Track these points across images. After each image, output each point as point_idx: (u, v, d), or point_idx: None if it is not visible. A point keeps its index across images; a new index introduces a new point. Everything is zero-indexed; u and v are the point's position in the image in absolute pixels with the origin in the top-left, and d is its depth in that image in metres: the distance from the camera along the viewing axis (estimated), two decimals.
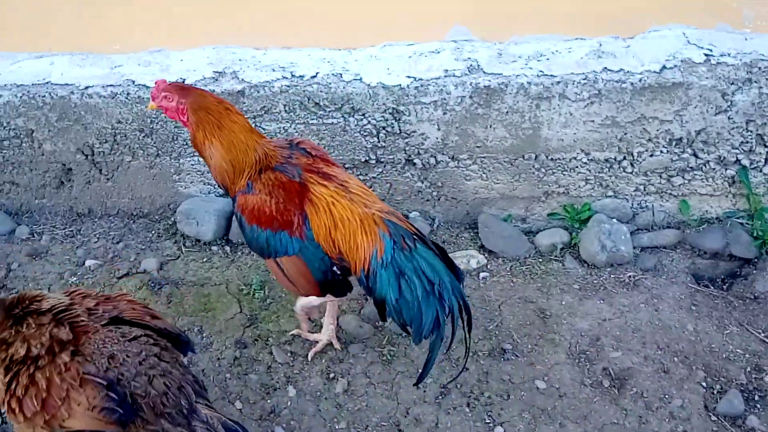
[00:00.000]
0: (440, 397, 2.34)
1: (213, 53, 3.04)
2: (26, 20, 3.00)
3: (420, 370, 2.16)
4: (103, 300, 2.04)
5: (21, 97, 2.95)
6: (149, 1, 2.95)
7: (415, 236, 2.20)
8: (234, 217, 2.34)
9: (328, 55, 3.00)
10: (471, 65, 2.87)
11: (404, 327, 2.17)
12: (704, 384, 2.41)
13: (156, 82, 2.31)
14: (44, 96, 2.94)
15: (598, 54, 2.89)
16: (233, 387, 2.41)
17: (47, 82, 2.98)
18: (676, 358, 2.49)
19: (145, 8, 2.96)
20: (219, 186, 2.39)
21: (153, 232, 3.13)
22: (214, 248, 3.01)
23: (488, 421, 2.29)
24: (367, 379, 2.41)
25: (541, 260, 2.93)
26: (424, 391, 2.36)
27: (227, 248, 3.02)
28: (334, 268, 2.28)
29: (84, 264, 2.93)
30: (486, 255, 2.94)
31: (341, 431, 2.29)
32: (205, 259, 2.95)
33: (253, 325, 2.60)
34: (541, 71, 2.83)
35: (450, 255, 2.88)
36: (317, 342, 2.56)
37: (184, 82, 2.92)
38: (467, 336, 2.15)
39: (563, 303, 2.69)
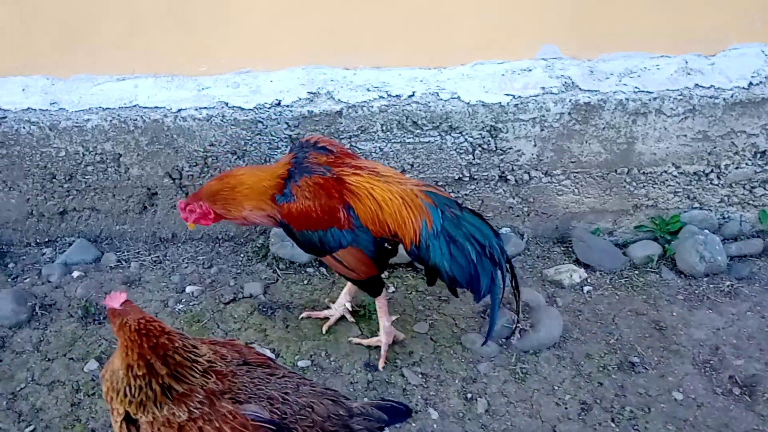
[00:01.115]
0: (583, 414, 2.35)
1: (303, 74, 3.02)
2: (106, 41, 2.92)
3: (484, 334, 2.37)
4: (221, 345, 1.97)
5: (111, 121, 2.88)
6: (231, 23, 2.90)
7: (455, 202, 2.34)
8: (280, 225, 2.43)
9: (420, 74, 3.01)
10: (566, 82, 2.92)
11: (454, 289, 2.33)
12: None
13: (178, 206, 2.41)
14: (135, 120, 2.88)
15: (686, 71, 2.97)
16: None
17: (135, 105, 2.91)
18: None
19: (227, 30, 2.91)
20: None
21: (242, 255, 3.07)
22: (310, 270, 2.97)
23: None
24: (504, 398, 2.41)
25: (637, 272, 2.98)
26: (566, 408, 2.37)
27: (323, 269, 2.99)
28: (386, 245, 2.40)
29: (185, 290, 2.85)
30: (584, 269, 2.97)
31: None
32: (305, 282, 2.91)
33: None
34: (636, 87, 2.90)
35: (552, 270, 2.97)
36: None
37: (279, 103, 2.90)
38: (516, 292, 2.36)
39: (674, 314, 2.74)
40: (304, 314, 2.72)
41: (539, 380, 2.47)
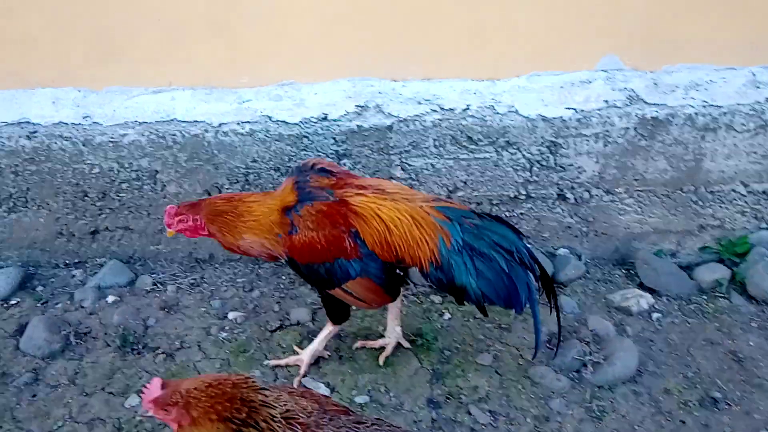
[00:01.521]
0: None
1: (349, 86, 2.84)
2: (143, 52, 2.75)
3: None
4: (299, 394, 1.79)
5: (148, 135, 2.71)
6: (273, 32, 2.73)
7: (472, 212, 2.19)
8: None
9: (472, 86, 2.84)
10: (630, 95, 2.75)
11: (483, 307, 2.18)
12: None
13: (166, 211, 2.26)
14: (174, 134, 2.71)
15: (755, 84, 2.80)
16: None
17: (173, 119, 2.75)
18: None
19: (270, 39, 2.73)
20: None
21: (283, 277, 2.90)
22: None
23: None
24: None
25: (706, 298, 2.80)
26: None
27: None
28: (397, 271, 2.25)
29: (227, 317, 2.67)
30: (650, 294, 2.80)
31: None
32: (354, 308, 2.73)
33: (439, 382, 2.39)
34: (705, 101, 2.73)
35: (617, 295, 2.79)
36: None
37: (326, 117, 2.73)
38: (550, 292, 2.21)
39: (751, 343, 2.56)
40: (358, 344, 2.54)
41: (617, 419, 2.29)
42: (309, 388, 2.39)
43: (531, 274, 2.16)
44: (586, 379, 2.44)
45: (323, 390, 2.40)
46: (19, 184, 2.79)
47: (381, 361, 2.48)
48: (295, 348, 2.54)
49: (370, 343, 2.56)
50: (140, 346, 2.55)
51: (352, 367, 2.47)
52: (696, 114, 2.71)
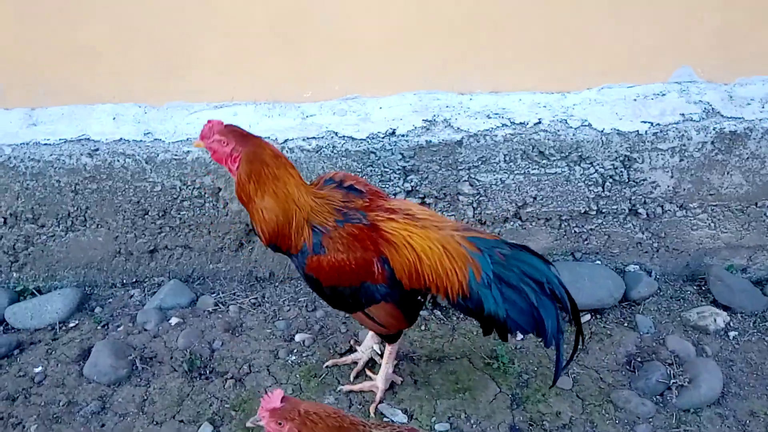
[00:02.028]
0: None
1: (415, 99, 2.77)
2: (206, 66, 2.68)
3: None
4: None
5: None
6: (339, 46, 2.66)
7: (502, 242, 2.14)
8: (303, 276, 2.15)
9: (542, 99, 2.77)
10: (705, 108, 2.68)
11: (506, 335, 2.12)
12: None
13: (209, 122, 2.10)
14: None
15: None
16: None
17: None
18: None
19: (335, 53, 2.66)
20: (267, 243, 2.14)
21: None
22: (424, 313, 2.72)
23: None
24: None
25: None
26: None
27: (437, 312, 2.74)
28: (419, 297, 2.19)
29: (294, 339, 2.60)
30: (725, 312, 2.72)
31: None
32: (422, 327, 2.66)
33: (520, 407, 2.32)
34: None
35: (693, 313, 2.71)
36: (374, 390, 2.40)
37: (394, 132, 2.66)
38: (574, 319, 2.10)
39: None
40: (329, 362, 2.49)
41: None
42: (386, 415, 2.32)
43: (559, 306, 2.08)
44: (671, 403, 2.36)
45: (400, 417, 2.33)
46: (78, 203, 2.72)
47: (352, 377, 2.43)
48: (368, 373, 2.47)
49: (342, 361, 2.50)
50: (208, 371, 2.48)
51: (429, 392, 2.39)
52: None
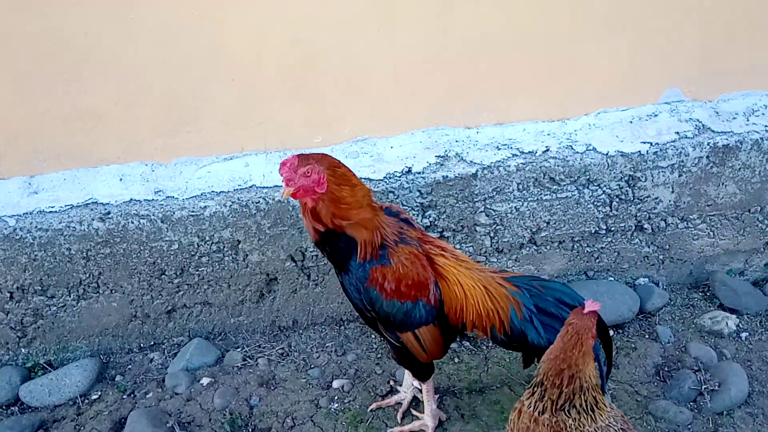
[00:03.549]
0: None
1: (424, 136, 2.82)
2: (215, 119, 2.64)
3: None
4: None
5: (230, 206, 2.59)
6: (348, 90, 2.68)
7: (535, 277, 2.26)
8: (357, 293, 2.11)
9: (545, 127, 2.87)
10: (696, 125, 2.85)
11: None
12: None
13: (283, 164, 1.98)
14: (258, 202, 2.60)
15: None
16: None
17: (251, 186, 2.64)
18: None
19: (345, 98, 2.68)
20: (333, 248, 2.09)
21: (372, 336, 2.82)
22: (454, 345, 2.75)
23: None
24: None
25: None
26: None
27: (467, 343, 2.77)
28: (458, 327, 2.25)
29: (331, 386, 2.57)
30: (732, 314, 2.88)
31: None
32: (456, 360, 2.69)
33: None
34: (766, 126, 2.86)
35: (706, 319, 2.85)
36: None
37: (410, 171, 2.70)
38: (604, 336, 2.17)
39: None
40: (373, 406, 2.49)
41: None
42: None
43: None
44: (705, 408, 2.47)
45: None
46: (90, 269, 2.61)
47: (399, 418, 2.45)
48: (414, 412, 2.47)
49: (385, 402, 2.51)
50: (250, 429, 2.41)
51: (478, 425, 2.41)
52: (762, 139, 2.83)
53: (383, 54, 2.64)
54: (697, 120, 2.88)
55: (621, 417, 1.85)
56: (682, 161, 2.81)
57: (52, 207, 2.56)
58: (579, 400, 1.75)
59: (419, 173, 2.71)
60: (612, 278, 3.00)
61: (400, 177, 2.69)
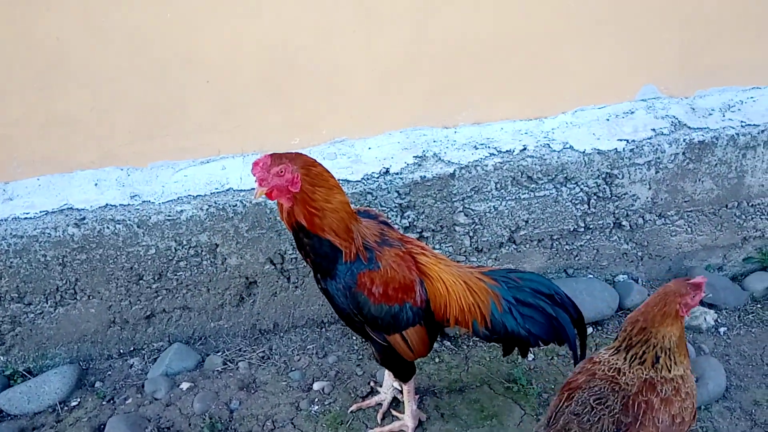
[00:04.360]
0: None
1: (402, 137, 2.82)
2: (192, 123, 2.63)
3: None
4: None
5: (207, 209, 2.58)
6: (327, 92, 2.67)
7: (514, 270, 2.30)
8: (344, 298, 2.07)
9: (522, 126, 2.88)
10: (673, 122, 2.87)
11: (526, 351, 2.27)
12: None
13: (255, 164, 1.94)
14: (235, 205, 2.60)
15: None
16: None
17: (228, 189, 2.64)
18: None
19: (323, 99, 2.67)
20: (317, 254, 2.04)
21: (353, 338, 2.81)
22: (435, 345, 2.75)
23: None
24: None
25: (760, 306, 2.93)
26: None
27: (447, 343, 2.78)
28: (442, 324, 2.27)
29: (312, 388, 2.56)
30: (710, 309, 2.90)
31: None
32: (437, 359, 2.69)
33: (549, 426, 2.38)
34: (742, 121, 2.88)
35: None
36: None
37: (388, 171, 2.70)
38: (579, 328, 2.27)
39: None
40: (353, 407, 2.50)
41: None
42: None
43: (573, 309, 2.25)
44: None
45: None
46: (66, 276, 2.59)
47: (379, 418, 2.46)
48: (394, 413, 2.47)
49: (366, 404, 2.52)
50: None
51: (458, 424, 2.42)
52: (737, 134, 2.84)
53: (360, 56, 2.63)
54: (674, 117, 2.89)
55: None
56: (659, 158, 2.83)
57: (27, 213, 2.55)
58: (650, 355, 1.88)
59: (397, 174, 2.71)
60: (591, 275, 3.01)
61: (378, 178, 2.69)
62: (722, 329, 2.82)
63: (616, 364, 1.92)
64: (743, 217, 3.02)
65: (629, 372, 1.89)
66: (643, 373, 1.88)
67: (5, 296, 2.59)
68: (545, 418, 1.98)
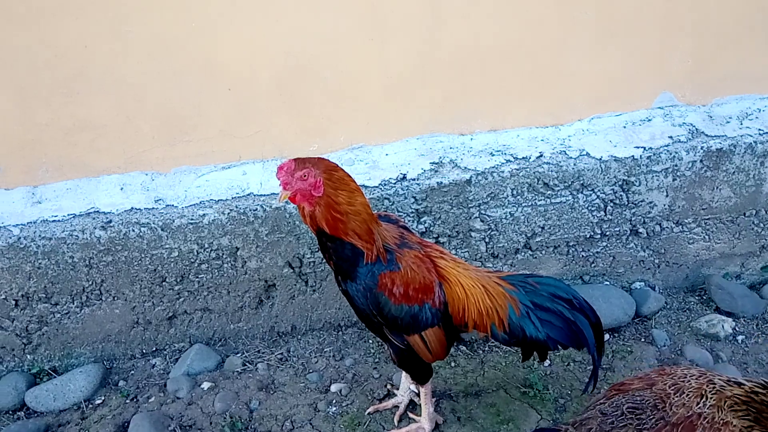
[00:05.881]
0: None
1: (419, 143, 2.87)
2: (213, 130, 2.70)
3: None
4: None
5: (228, 213, 2.64)
6: (344, 99, 2.73)
7: (528, 274, 2.30)
8: (364, 299, 2.10)
9: (539, 133, 2.91)
10: (690, 129, 2.87)
11: (545, 355, 2.28)
12: None
13: (280, 168, 1.97)
14: (255, 209, 2.65)
15: None
16: None
17: (249, 194, 2.70)
18: None
19: (340, 106, 2.73)
20: (339, 257, 2.07)
21: (369, 341, 2.85)
22: (451, 350, 2.77)
23: None
24: None
25: None
26: None
27: (463, 347, 2.80)
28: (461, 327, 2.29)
29: (329, 389, 2.61)
30: (729, 317, 2.89)
31: None
32: (453, 364, 2.72)
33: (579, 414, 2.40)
34: (760, 129, 2.87)
35: (702, 322, 2.86)
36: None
37: (405, 177, 2.74)
38: (597, 333, 2.24)
39: None
40: (370, 409, 2.53)
41: None
42: None
43: (592, 314, 2.25)
44: None
45: None
46: (92, 277, 2.67)
47: (396, 420, 2.48)
48: (411, 415, 2.50)
49: (383, 406, 2.54)
50: None
51: (474, 427, 2.44)
52: (755, 142, 2.84)
53: (375, 63, 2.69)
54: (691, 124, 2.90)
55: None
56: (676, 165, 2.83)
57: (55, 216, 2.63)
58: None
59: (414, 180, 2.75)
60: (608, 282, 3.02)
61: (395, 184, 2.73)
62: (740, 337, 2.81)
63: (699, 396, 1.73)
64: (761, 225, 3.01)
65: (681, 397, 1.74)
66: (693, 407, 1.72)
67: (33, 296, 2.67)
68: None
